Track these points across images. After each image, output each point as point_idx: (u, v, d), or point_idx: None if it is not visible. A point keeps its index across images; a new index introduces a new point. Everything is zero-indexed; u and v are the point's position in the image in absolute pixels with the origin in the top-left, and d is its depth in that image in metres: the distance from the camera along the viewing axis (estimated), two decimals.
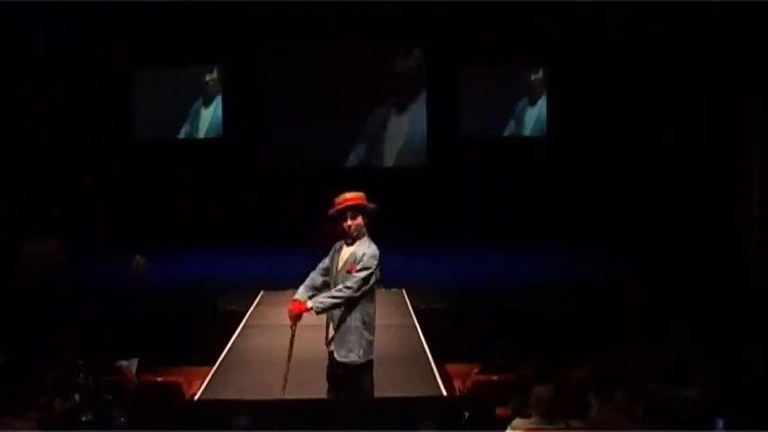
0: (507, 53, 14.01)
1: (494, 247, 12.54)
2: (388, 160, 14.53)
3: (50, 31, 12.25)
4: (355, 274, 4.89)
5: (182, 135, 14.42)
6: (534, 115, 14.41)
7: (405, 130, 14.51)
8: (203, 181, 13.88)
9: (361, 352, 4.95)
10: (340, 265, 5.03)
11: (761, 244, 10.99)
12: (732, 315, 7.90)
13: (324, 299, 4.90)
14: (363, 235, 5.03)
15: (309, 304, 4.90)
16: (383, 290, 9.70)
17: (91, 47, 13.17)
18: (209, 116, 14.40)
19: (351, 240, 5.00)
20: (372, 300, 5.06)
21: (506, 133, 14.44)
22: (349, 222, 4.95)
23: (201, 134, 14.44)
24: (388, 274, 10.56)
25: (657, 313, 8.16)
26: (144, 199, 13.64)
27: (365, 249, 4.96)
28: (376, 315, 5.10)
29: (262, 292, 9.33)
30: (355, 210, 4.98)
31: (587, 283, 10.10)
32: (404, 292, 9.51)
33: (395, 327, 8.10)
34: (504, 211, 13.49)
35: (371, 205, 5.05)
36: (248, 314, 8.54)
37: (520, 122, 14.46)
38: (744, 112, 11.32)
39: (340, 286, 4.90)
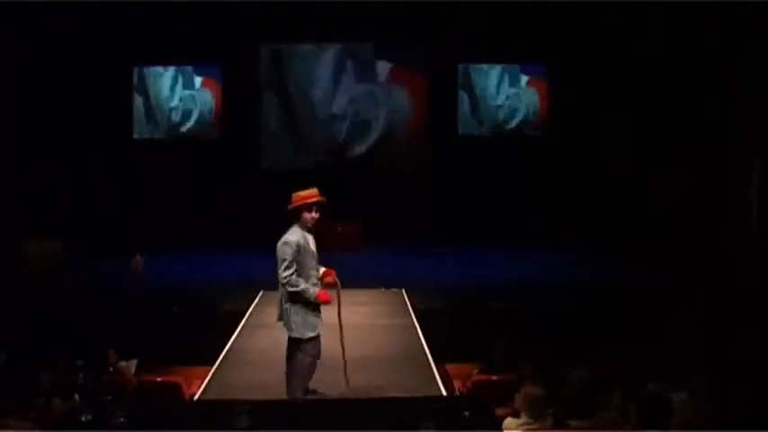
0: (507, 52, 14.03)
1: (493, 246, 12.54)
2: (389, 160, 14.51)
3: (50, 31, 12.24)
4: None
5: (181, 135, 14.42)
6: (533, 115, 14.41)
7: (405, 130, 14.51)
8: (203, 181, 13.87)
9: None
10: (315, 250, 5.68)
11: (760, 244, 10.97)
12: (731, 315, 7.89)
13: None
14: None
15: None
16: (383, 290, 9.75)
17: (91, 46, 13.16)
18: (209, 116, 14.40)
19: (309, 229, 5.63)
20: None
21: (506, 133, 14.45)
22: (316, 215, 5.60)
23: (201, 134, 14.43)
24: (388, 275, 10.53)
25: (657, 313, 8.17)
26: (144, 199, 13.63)
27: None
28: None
29: (261, 292, 9.31)
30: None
31: (587, 283, 10.10)
32: (404, 292, 9.50)
33: (395, 327, 8.10)
34: (504, 210, 13.49)
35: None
36: (248, 314, 8.53)
37: (519, 122, 14.46)
38: (743, 111, 11.31)
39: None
